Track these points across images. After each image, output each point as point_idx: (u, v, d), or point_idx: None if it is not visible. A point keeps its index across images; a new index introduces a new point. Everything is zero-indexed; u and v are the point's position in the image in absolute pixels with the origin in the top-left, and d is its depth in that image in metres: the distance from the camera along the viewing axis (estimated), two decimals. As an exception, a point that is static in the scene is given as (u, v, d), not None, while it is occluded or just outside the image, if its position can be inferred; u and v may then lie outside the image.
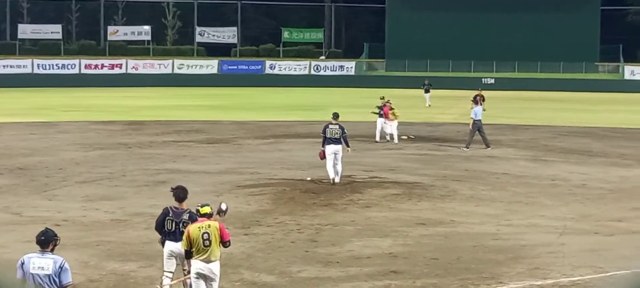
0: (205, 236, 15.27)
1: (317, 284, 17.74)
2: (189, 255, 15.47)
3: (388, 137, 45.49)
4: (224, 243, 15.54)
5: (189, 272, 15.79)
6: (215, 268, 15.38)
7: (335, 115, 31.95)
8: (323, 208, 26.58)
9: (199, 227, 15.40)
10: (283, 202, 27.58)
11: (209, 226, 15.42)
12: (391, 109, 45.61)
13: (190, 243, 15.31)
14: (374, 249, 21.09)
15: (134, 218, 24.86)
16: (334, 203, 27.30)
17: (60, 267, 12.54)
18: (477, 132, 42.74)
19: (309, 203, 27.34)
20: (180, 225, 16.38)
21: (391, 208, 26.95)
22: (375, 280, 18.36)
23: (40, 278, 12.40)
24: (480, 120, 43.16)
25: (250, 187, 30.43)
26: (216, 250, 15.39)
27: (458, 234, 23.29)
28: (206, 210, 15.73)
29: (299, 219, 24.86)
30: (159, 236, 17.06)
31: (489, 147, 42.35)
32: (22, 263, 12.62)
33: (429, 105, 72.06)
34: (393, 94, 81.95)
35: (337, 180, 30.91)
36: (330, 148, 31.14)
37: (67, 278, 12.67)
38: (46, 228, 13.19)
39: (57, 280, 12.46)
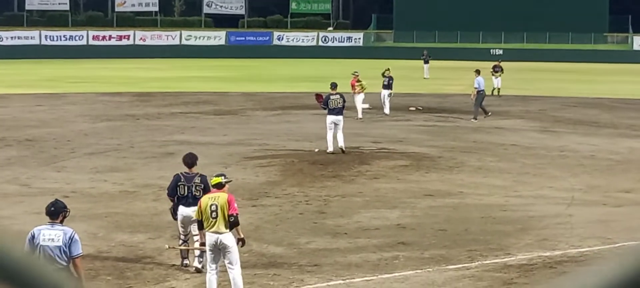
0: (213, 207, 15.19)
1: (326, 255, 17.76)
2: (200, 226, 15.50)
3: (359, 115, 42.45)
4: (229, 216, 15.24)
5: (203, 244, 15.81)
6: (225, 239, 15.21)
7: (334, 85, 32.09)
8: (331, 179, 26.59)
9: (209, 198, 15.40)
10: (291, 174, 27.59)
11: (218, 198, 15.32)
12: (358, 80, 43.55)
13: (200, 213, 15.32)
14: (382, 220, 21.10)
15: (143, 190, 24.89)
16: (342, 175, 27.31)
17: (70, 238, 12.54)
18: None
19: (317, 175, 27.35)
20: (193, 188, 16.70)
21: (399, 179, 26.95)
22: (383, 251, 18.38)
23: (51, 249, 12.41)
24: (484, 90, 43.14)
25: (258, 158, 30.44)
26: (226, 221, 15.26)
27: (466, 205, 23.28)
28: (216, 180, 15.64)
29: (307, 191, 24.87)
30: (170, 205, 17.17)
31: (488, 114, 42.60)
32: (32, 236, 12.62)
33: (427, 78, 71.16)
34: (401, 65, 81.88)
35: (342, 145, 31.09)
36: (331, 119, 31.24)
37: (78, 249, 12.68)
38: (56, 199, 13.21)
39: (67, 251, 12.46)
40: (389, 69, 47.37)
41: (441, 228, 20.62)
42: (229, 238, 15.25)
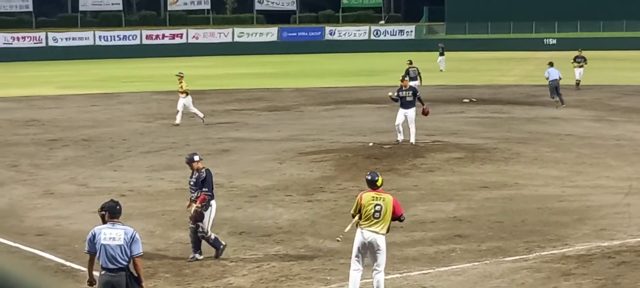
0: (377, 207, 14.80)
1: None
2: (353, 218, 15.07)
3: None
4: (400, 217, 15.15)
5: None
6: (381, 241, 14.92)
7: (404, 77, 32.33)
8: (386, 173, 26.45)
9: (373, 197, 14.92)
10: (346, 168, 27.59)
11: (384, 199, 14.93)
12: (181, 83, 39.65)
13: (358, 208, 14.92)
14: (438, 213, 21.04)
15: (198, 187, 24.98)
16: (396, 168, 27.26)
17: (132, 238, 12.63)
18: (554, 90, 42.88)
19: (372, 169, 27.21)
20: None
21: (454, 172, 26.85)
22: (439, 244, 18.33)
23: (111, 248, 12.50)
24: (556, 79, 43.13)
25: (313, 153, 30.47)
26: (387, 223, 14.92)
27: (522, 197, 23.14)
28: (380, 181, 15.23)
29: (362, 185, 24.70)
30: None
31: (563, 104, 42.78)
32: (93, 236, 12.72)
33: (442, 70, 70.09)
34: (454, 57, 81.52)
35: (412, 140, 31.45)
36: (402, 112, 31.48)
37: (139, 248, 12.77)
38: (112, 200, 13.31)
39: (128, 250, 12.54)
40: (411, 61, 48.03)
41: (497, 220, 20.51)
42: (383, 241, 14.99)
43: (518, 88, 54.10)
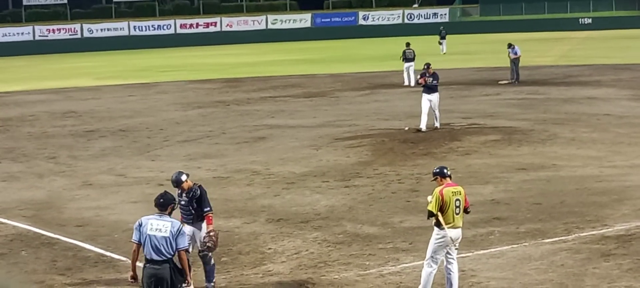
0: (457, 203, 14.22)
1: (420, 233, 17.72)
2: (436, 218, 14.19)
3: None
4: (467, 209, 14.52)
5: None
6: (460, 233, 14.42)
7: (428, 64, 31.94)
8: (422, 157, 26.53)
9: (453, 192, 14.21)
10: (382, 153, 27.59)
11: (460, 192, 14.37)
12: None
13: (439, 205, 14.10)
14: (476, 196, 20.98)
15: (236, 175, 25.11)
16: (433, 152, 27.23)
17: (178, 231, 12.61)
18: None
19: (408, 153, 27.30)
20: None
21: (491, 154, 26.78)
22: (478, 227, 18.30)
23: (157, 239, 12.51)
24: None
25: (349, 139, 30.48)
26: (462, 216, 14.43)
27: (560, 178, 23.05)
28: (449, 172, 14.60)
29: (399, 169, 24.85)
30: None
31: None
32: (140, 225, 12.74)
33: (445, 53, 69.97)
34: (488, 39, 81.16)
35: (437, 124, 31.34)
36: (425, 97, 31.25)
37: (184, 242, 12.76)
38: (165, 191, 13.32)
39: (173, 243, 12.53)
40: (409, 44, 49.06)
41: (536, 202, 20.45)
42: (460, 232, 14.54)
43: (554, 68, 53.81)
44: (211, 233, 15.00)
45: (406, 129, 31.54)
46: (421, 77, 31.96)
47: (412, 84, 45.14)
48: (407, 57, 48.02)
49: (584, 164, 24.68)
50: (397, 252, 17.05)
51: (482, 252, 16.76)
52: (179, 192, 15.04)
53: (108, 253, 17.54)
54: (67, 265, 17.08)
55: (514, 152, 27.04)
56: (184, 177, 15.12)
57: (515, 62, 46.84)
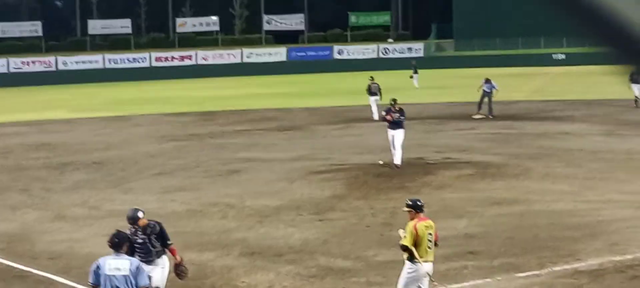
0: (430, 237, 14.26)
1: (393, 267, 17.68)
2: (410, 253, 14.22)
3: None
4: (436, 243, 14.54)
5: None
6: (431, 268, 14.49)
7: (394, 100, 31.88)
8: (396, 191, 26.55)
9: (425, 226, 14.24)
10: (356, 187, 27.60)
11: (432, 226, 14.43)
12: None
13: (413, 239, 14.12)
14: (450, 230, 20.99)
15: (210, 208, 25.05)
16: (407, 186, 27.25)
17: (137, 268, 12.53)
18: None
19: (383, 187, 27.32)
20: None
21: (465, 188, 26.84)
22: (451, 261, 18.30)
23: (117, 279, 12.40)
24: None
25: (323, 172, 30.49)
26: (433, 252, 14.47)
27: (534, 212, 23.11)
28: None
29: (373, 203, 24.86)
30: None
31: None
32: (98, 267, 12.59)
33: (417, 87, 70.24)
34: (463, 74, 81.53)
35: (397, 162, 30.83)
36: (390, 133, 31.22)
37: (144, 280, 12.66)
38: (118, 230, 13.24)
39: (133, 280, 12.43)
40: (372, 77, 49.96)
41: (509, 236, 20.49)
42: (432, 266, 14.53)
43: (528, 103, 54.08)
44: (183, 264, 15.11)
45: (381, 163, 31.56)
46: (387, 113, 31.63)
47: (375, 117, 45.53)
48: (372, 91, 48.51)
49: (557, 199, 24.76)
50: (370, 285, 17.02)
51: (455, 285, 16.75)
52: (133, 230, 14.65)
53: (80, 287, 17.42)
54: (39, 298, 16.96)
55: (488, 186, 27.11)
56: (140, 214, 14.83)
57: (489, 96, 47.20)
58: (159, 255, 14.74)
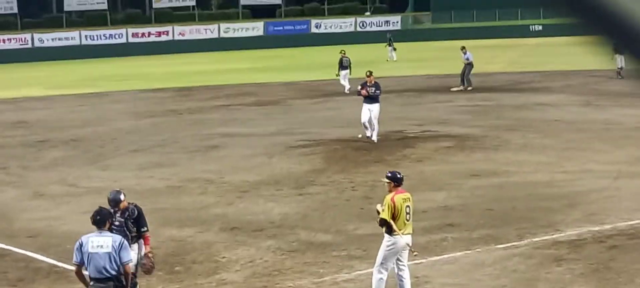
0: (407, 210, 14.22)
1: (374, 240, 17.70)
2: (389, 227, 14.20)
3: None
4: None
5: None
6: (410, 240, 14.46)
7: (369, 72, 31.38)
8: (375, 164, 26.57)
9: (403, 199, 14.19)
10: (335, 161, 27.60)
11: (410, 198, 14.39)
12: None
13: (391, 212, 14.09)
14: (429, 203, 21.05)
15: (189, 184, 25.01)
16: (386, 159, 27.27)
17: (120, 245, 12.44)
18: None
19: (361, 161, 27.34)
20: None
21: (444, 161, 26.89)
22: (431, 233, 18.35)
23: (100, 256, 12.35)
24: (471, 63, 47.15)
25: (302, 147, 30.48)
26: (411, 224, 14.46)
27: (512, 184, 23.19)
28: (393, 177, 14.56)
29: (352, 177, 24.87)
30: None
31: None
32: (81, 245, 12.52)
33: (393, 59, 70.47)
34: (440, 46, 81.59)
35: (374, 138, 30.46)
36: (365, 106, 30.64)
37: (128, 255, 12.58)
38: (100, 207, 13.17)
39: (117, 257, 12.38)
40: (344, 51, 49.93)
41: (488, 208, 20.56)
42: (410, 239, 14.48)
43: (505, 75, 54.19)
44: (149, 255, 14.48)
45: (359, 136, 31.54)
46: (362, 87, 30.80)
47: (346, 90, 46.34)
48: (343, 65, 48.81)
49: (535, 170, 24.85)
50: (351, 259, 17.04)
51: (435, 258, 16.80)
52: (114, 211, 14.23)
53: (60, 264, 17.37)
54: (18, 276, 16.92)
55: (467, 158, 27.18)
56: (121, 197, 14.47)
57: (467, 67, 47.25)
58: (134, 240, 14.28)
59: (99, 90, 56.41)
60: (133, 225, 14.43)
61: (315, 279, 15.91)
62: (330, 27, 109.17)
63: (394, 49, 72.42)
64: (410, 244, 14.39)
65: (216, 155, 29.90)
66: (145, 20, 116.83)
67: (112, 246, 12.36)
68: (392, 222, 14.10)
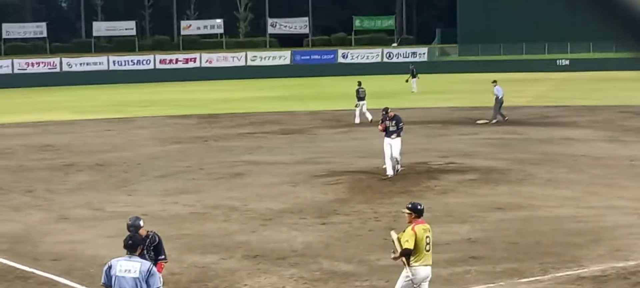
0: (428, 240, 14.29)
1: (397, 271, 17.63)
2: (408, 255, 14.25)
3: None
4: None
5: None
6: (430, 272, 14.54)
7: (385, 110, 30.94)
8: (400, 195, 26.53)
9: (423, 229, 14.31)
10: (360, 191, 27.59)
11: (430, 229, 14.47)
12: None
13: (415, 242, 14.15)
14: (453, 235, 21.02)
15: (213, 211, 25.06)
16: (410, 190, 27.24)
17: (149, 271, 12.43)
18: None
19: (386, 191, 27.31)
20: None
21: (468, 193, 26.83)
22: (454, 266, 18.30)
23: (126, 281, 12.36)
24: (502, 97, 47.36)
25: (327, 176, 30.48)
26: (431, 255, 14.49)
27: (537, 218, 23.11)
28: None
29: (376, 207, 24.85)
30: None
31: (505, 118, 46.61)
32: (109, 268, 12.56)
33: (414, 91, 70.37)
34: (466, 79, 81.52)
35: (390, 173, 29.74)
36: (386, 141, 30.29)
37: (156, 282, 12.54)
38: (134, 233, 13.23)
39: (144, 284, 12.37)
40: (360, 83, 50.50)
41: (512, 241, 20.48)
42: (430, 270, 14.54)
43: (531, 109, 54.06)
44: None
45: (384, 166, 31.49)
46: (381, 122, 30.65)
47: (357, 121, 47.65)
48: (360, 96, 49.29)
49: (560, 204, 24.75)
50: (373, 290, 17.01)
51: (458, 290, 16.75)
52: None
53: (83, 288, 17.45)
54: (41, 299, 16.98)
55: (491, 191, 27.11)
56: (141, 223, 14.55)
57: (497, 101, 47.32)
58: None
59: (125, 116, 56.68)
60: (154, 252, 14.50)
61: (338, 309, 15.88)
62: (357, 57, 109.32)
63: (415, 78, 72.11)
64: (428, 276, 14.36)
65: (241, 183, 29.96)
66: (173, 47, 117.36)
67: (140, 271, 12.39)
68: (406, 252, 14.11)
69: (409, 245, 14.13)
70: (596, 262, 18.47)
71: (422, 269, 14.25)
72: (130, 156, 37.31)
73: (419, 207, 14.66)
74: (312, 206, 25.29)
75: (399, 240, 14.29)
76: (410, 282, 14.30)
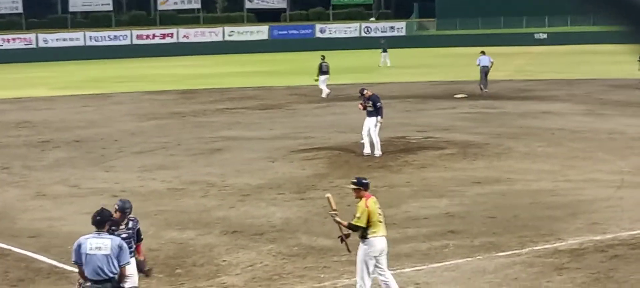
0: (379, 211, 14.34)
1: (375, 246, 17.71)
2: (364, 233, 14.20)
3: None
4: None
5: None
6: (386, 242, 14.53)
7: (361, 90, 30.56)
8: (378, 170, 26.55)
9: (374, 202, 14.30)
10: (338, 166, 27.58)
11: (377, 201, 14.50)
12: None
13: (366, 218, 14.14)
14: (431, 210, 21.05)
15: (191, 187, 25.00)
16: (389, 165, 27.26)
17: (119, 246, 12.39)
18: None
19: (364, 166, 27.30)
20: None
21: (446, 168, 26.85)
22: (433, 240, 18.33)
23: (97, 258, 12.29)
24: (486, 66, 48.21)
25: (305, 151, 30.46)
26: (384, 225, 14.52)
27: (515, 192, 23.16)
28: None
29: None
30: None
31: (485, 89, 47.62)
32: (79, 246, 12.47)
33: (385, 65, 70.57)
34: (445, 53, 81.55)
35: (376, 153, 29.10)
36: (367, 119, 29.87)
37: (126, 257, 12.51)
38: (101, 208, 13.12)
39: (115, 260, 12.33)
40: (323, 57, 50.89)
41: (490, 216, 20.52)
42: (385, 241, 14.53)
43: (509, 83, 54.14)
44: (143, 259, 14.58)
45: (362, 141, 31.43)
46: (361, 103, 29.97)
47: (324, 95, 47.67)
48: (322, 70, 49.40)
49: (538, 178, 24.81)
50: (351, 264, 16.94)
51: (436, 265, 16.77)
52: (123, 223, 14.10)
53: (61, 265, 17.36)
54: (19, 276, 16.91)
55: (469, 165, 27.15)
56: (128, 205, 14.38)
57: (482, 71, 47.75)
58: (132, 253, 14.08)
59: (102, 92, 56.45)
60: (137, 236, 14.40)
61: (316, 284, 15.90)
62: (335, 32, 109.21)
63: (385, 53, 72.16)
64: (385, 247, 14.37)
65: (219, 158, 29.90)
66: (149, 22, 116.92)
67: (111, 248, 12.32)
68: (360, 227, 14.14)
69: (361, 222, 14.13)
70: (574, 235, 18.52)
71: (379, 240, 14.27)
72: (108, 132, 37.17)
73: (364, 180, 14.68)
74: (290, 181, 25.27)
75: (355, 220, 14.19)
76: (370, 253, 14.25)
